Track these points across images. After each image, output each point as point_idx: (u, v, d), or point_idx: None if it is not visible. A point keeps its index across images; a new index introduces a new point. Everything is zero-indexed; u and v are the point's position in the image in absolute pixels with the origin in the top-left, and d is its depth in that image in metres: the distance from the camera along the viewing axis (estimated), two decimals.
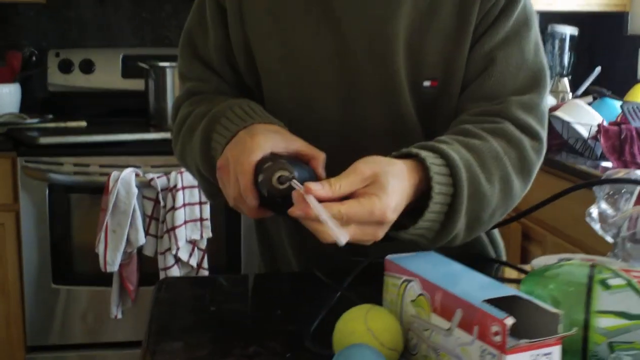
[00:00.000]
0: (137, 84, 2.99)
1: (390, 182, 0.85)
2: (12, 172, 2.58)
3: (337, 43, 1.06)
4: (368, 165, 0.86)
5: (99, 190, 2.51)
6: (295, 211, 0.83)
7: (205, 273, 2.56)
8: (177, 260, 2.52)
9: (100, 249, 2.48)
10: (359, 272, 1.04)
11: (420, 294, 0.77)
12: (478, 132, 1.00)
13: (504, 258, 1.23)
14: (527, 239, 2.50)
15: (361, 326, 0.77)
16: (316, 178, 0.92)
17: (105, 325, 2.67)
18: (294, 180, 0.86)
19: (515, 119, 1.03)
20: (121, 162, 2.56)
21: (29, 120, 2.84)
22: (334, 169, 0.93)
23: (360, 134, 1.10)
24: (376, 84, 1.07)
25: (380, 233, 0.86)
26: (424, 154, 0.91)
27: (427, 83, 1.06)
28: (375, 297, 0.87)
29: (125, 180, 2.46)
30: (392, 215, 0.85)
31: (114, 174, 2.47)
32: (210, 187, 1.08)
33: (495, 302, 0.68)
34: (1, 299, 2.65)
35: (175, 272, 2.51)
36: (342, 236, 0.78)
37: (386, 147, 1.08)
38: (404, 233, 0.92)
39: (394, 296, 0.82)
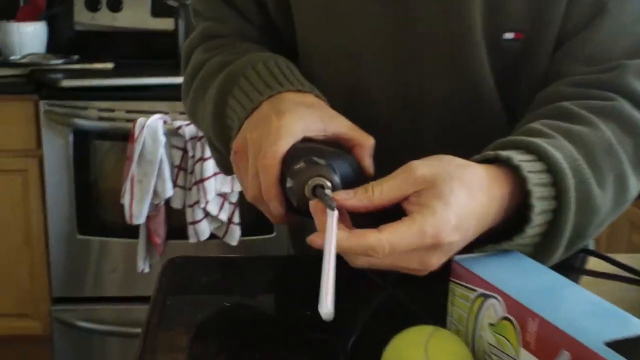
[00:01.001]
0: (167, 24, 2.78)
1: (454, 191, 0.61)
2: (34, 116, 2.41)
3: None
4: (427, 165, 0.63)
5: (125, 137, 2.33)
6: (315, 240, 0.61)
7: (237, 228, 2.38)
8: (206, 214, 2.33)
9: (126, 200, 2.31)
10: None
11: (504, 318, 0.57)
12: (584, 114, 0.73)
13: (591, 246, 0.99)
14: (636, 228, 2.17)
15: (420, 359, 0.56)
16: (361, 172, 0.70)
17: (133, 279, 2.51)
18: (330, 194, 0.64)
19: (632, 92, 0.76)
20: (148, 107, 2.37)
21: (54, 61, 2.65)
22: (383, 158, 0.72)
23: (420, 106, 0.85)
24: (442, 40, 0.81)
25: (435, 260, 0.62)
26: (517, 158, 0.66)
27: (509, 35, 0.80)
28: (433, 302, 0.67)
29: (151, 127, 2.27)
30: (451, 236, 0.60)
31: (140, 120, 2.28)
32: (223, 160, 0.87)
33: (622, 345, 0.47)
34: (25, 249, 2.52)
35: (205, 226, 2.34)
36: (325, 308, 0.56)
37: (453, 123, 0.85)
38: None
39: (464, 313, 0.61)
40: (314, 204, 0.62)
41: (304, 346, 0.70)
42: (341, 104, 0.77)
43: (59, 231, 2.48)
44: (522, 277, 0.59)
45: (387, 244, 0.59)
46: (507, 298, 0.56)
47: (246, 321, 0.76)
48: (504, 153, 0.66)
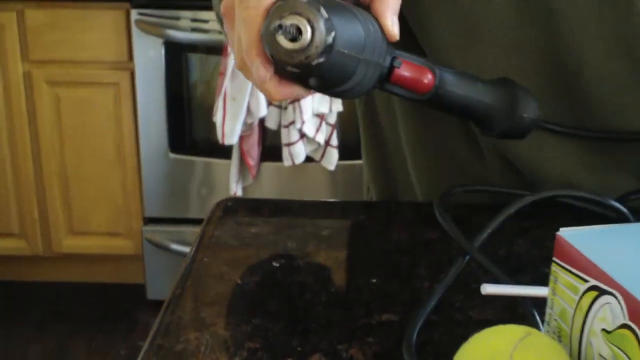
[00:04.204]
0: None
1: None
2: (125, 25, 2.31)
3: None
4: None
5: (219, 51, 2.20)
6: None
7: (334, 151, 2.23)
8: (302, 135, 2.19)
9: (218, 118, 2.19)
10: (507, 221, 0.65)
11: (624, 325, 0.39)
12: None
13: None
14: None
15: None
16: (380, 37, 0.53)
17: None
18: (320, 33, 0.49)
19: None
20: None
21: None
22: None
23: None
24: None
25: None
26: None
27: None
28: (535, 275, 0.51)
29: None
30: None
31: None
32: None
33: None
34: (118, 165, 2.46)
35: (300, 148, 2.20)
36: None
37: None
38: None
39: (570, 309, 0.44)
40: None
41: (364, 328, 0.55)
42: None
43: (151, 149, 2.40)
44: None
45: None
46: (630, 299, 0.39)
47: (293, 289, 0.61)
48: None
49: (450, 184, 0.72)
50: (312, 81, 0.52)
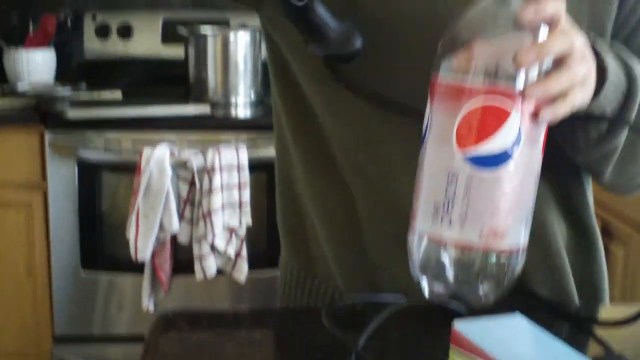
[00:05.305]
0: (178, 51, 2.74)
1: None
2: (39, 147, 2.38)
3: None
4: None
5: (132, 169, 2.29)
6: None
7: (245, 263, 2.32)
8: (214, 248, 2.28)
9: (131, 235, 2.26)
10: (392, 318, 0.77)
11: None
12: None
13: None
14: (607, 235, 2.19)
15: None
16: None
17: (141, 317, 2.43)
18: None
19: None
20: (156, 138, 2.33)
21: (61, 90, 2.63)
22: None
23: None
24: None
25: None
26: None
27: None
28: None
29: (158, 159, 2.23)
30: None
31: (146, 151, 2.23)
32: None
33: None
34: (28, 285, 2.46)
35: (211, 261, 2.28)
36: None
37: None
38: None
39: None
40: None
41: None
42: None
43: (62, 267, 2.42)
44: (527, 349, 0.54)
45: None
46: None
47: None
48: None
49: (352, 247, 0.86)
50: None
